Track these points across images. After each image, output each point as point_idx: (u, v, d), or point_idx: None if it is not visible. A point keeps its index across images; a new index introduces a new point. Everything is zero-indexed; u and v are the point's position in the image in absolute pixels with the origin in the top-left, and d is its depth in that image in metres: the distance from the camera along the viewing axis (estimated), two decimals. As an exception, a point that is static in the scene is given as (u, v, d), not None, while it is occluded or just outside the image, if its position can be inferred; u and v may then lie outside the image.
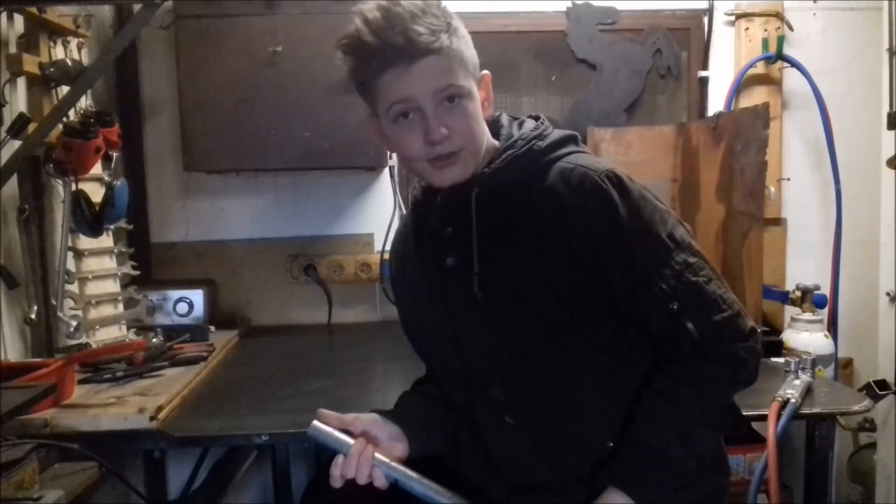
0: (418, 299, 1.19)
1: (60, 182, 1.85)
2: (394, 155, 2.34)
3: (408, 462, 1.11)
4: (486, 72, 1.10)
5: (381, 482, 1.06)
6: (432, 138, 1.02)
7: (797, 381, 1.59)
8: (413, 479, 1.08)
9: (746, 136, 1.98)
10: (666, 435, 1.03)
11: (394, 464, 1.08)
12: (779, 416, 1.45)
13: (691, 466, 1.05)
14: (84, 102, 1.98)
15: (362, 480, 1.06)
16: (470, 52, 1.06)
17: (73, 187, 1.82)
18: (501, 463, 1.14)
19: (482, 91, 1.09)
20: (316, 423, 1.09)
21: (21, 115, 1.70)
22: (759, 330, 1.08)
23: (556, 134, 1.10)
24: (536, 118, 1.14)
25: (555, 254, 1.03)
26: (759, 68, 2.52)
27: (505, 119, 1.15)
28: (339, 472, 1.06)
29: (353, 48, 1.02)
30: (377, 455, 1.07)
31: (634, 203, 1.03)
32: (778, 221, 2.57)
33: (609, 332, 1.06)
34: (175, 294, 2.31)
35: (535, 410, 1.09)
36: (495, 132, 1.13)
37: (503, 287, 1.07)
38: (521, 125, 1.13)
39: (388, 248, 2.44)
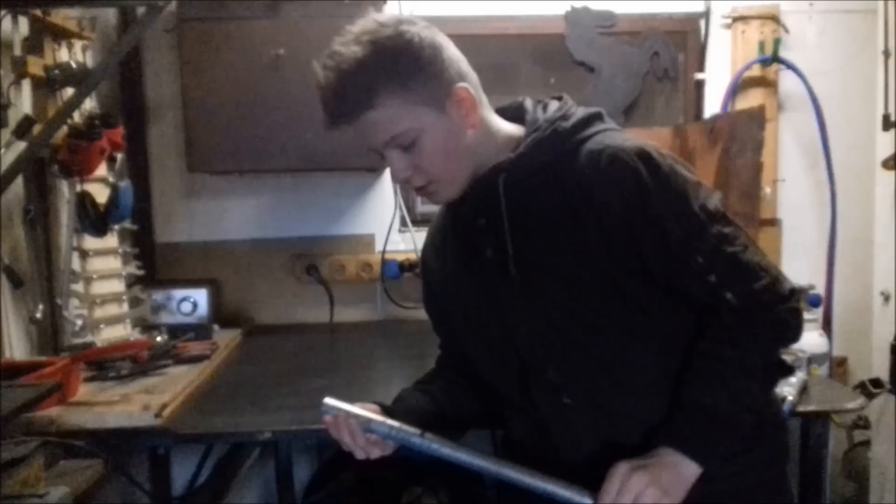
0: (462, 291, 1.19)
1: (65, 183, 1.87)
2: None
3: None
4: (459, 85, 1.04)
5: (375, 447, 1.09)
6: (395, 180, 1.10)
7: (793, 379, 1.60)
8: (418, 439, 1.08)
9: (742, 137, 2.01)
10: (714, 390, 1.03)
11: (391, 422, 1.08)
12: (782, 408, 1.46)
13: (745, 420, 1.05)
14: (88, 104, 1.99)
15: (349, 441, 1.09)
16: (423, 86, 1.02)
17: (78, 188, 1.83)
18: (562, 444, 1.14)
19: (463, 104, 1.06)
20: (328, 400, 1.10)
21: (26, 117, 1.72)
22: (797, 290, 1.09)
23: (581, 113, 1.10)
24: (559, 98, 1.14)
25: (591, 234, 1.04)
26: (756, 71, 2.54)
27: (529, 103, 1.15)
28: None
29: (322, 109, 1.06)
30: (377, 418, 1.09)
31: (665, 179, 1.02)
32: (773, 222, 2.59)
33: (656, 305, 1.07)
34: (179, 293, 2.32)
35: (592, 390, 1.10)
36: (520, 117, 1.14)
37: (541, 269, 1.08)
38: (545, 108, 1.13)
39: (388, 248, 2.47)
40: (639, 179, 1.02)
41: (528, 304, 1.10)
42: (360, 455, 1.11)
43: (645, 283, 1.06)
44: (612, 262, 1.04)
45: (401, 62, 1.01)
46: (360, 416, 1.08)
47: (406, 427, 1.08)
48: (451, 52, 1.07)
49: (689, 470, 1.03)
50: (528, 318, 1.10)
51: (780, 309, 1.06)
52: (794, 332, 1.10)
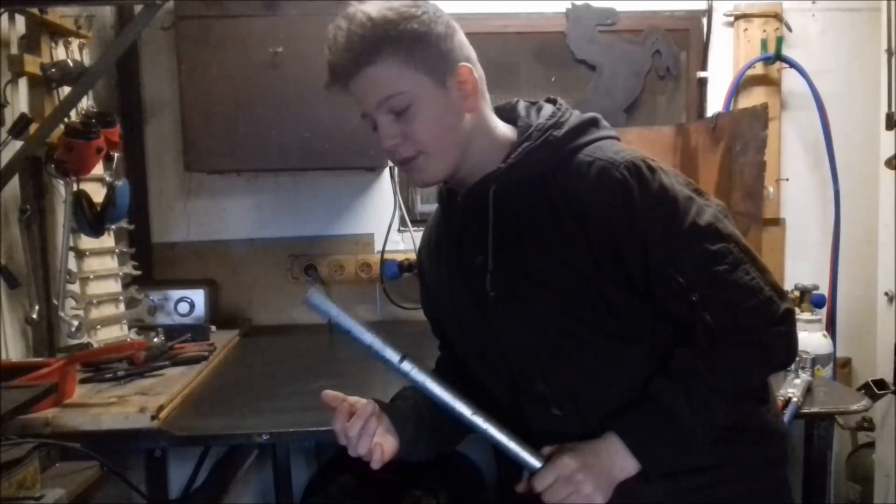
0: (454, 296, 1.18)
1: (62, 182, 1.87)
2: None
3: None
4: (462, 64, 1.05)
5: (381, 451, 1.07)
6: (383, 147, 1.06)
7: (798, 381, 1.60)
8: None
9: (745, 136, 1.99)
10: (675, 393, 1.02)
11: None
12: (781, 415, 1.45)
13: (698, 431, 1.03)
14: (85, 103, 1.99)
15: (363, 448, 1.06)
16: (426, 54, 1.03)
17: (75, 187, 1.82)
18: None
19: (464, 84, 1.06)
20: (315, 292, 0.99)
21: (23, 116, 1.71)
22: (793, 312, 1.05)
23: (574, 120, 1.09)
24: (554, 101, 1.13)
25: (578, 247, 1.03)
26: (758, 69, 2.53)
27: (521, 107, 1.14)
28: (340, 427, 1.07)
29: (327, 68, 1.06)
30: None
31: (653, 195, 1.01)
32: (777, 221, 2.58)
33: (643, 317, 1.06)
34: (176, 294, 2.32)
35: (580, 401, 1.09)
36: (512, 120, 1.12)
37: (527, 281, 1.07)
38: (538, 111, 1.11)
39: (388, 248, 2.45)
40: (625, 194, 1.00)
41: (514, 316, 1.09)
42: (352, 448, 1.07)
43: (632, 296, 1.04)
44: (598, 275, 1.03)
45: (409, 26, 1.02)
46: (342, 318, 1.00)
47: (387, 347, 1.03)
48: (465, 41, 1.08)
49: (626, 466, 1.03)
50: (514, 329, 1.10)
51: (766, 332, 1.03)
52: (783, 358, 1.06)
